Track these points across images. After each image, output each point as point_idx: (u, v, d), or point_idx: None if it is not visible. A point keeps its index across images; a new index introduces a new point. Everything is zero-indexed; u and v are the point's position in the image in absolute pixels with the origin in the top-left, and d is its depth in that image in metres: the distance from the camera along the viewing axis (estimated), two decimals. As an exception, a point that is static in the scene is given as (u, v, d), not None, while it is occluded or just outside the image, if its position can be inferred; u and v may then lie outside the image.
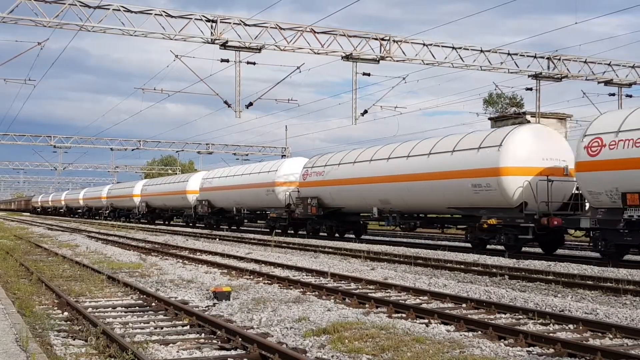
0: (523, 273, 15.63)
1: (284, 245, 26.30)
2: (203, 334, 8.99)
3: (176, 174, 78.09)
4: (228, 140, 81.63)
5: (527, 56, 28.52)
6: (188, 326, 9.58)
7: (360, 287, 13.81)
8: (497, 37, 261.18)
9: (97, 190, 79.68)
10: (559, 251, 23.13)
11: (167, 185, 53.54)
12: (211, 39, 23.84)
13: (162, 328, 9.55)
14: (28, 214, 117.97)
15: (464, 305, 11.21)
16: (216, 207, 42.16)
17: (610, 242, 18.22)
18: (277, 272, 16.63)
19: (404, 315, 10.32)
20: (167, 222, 57.70)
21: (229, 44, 24.25)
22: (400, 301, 11.50)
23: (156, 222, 57.88)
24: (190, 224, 49.45)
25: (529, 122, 33.06)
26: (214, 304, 11.52)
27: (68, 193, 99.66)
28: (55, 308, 11.13)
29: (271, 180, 34.63)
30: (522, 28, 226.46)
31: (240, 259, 20.42)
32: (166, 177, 61.74)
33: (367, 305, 11.21)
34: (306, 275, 16.02)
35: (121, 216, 69.26)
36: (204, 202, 43.12)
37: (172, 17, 23.43)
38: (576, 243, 27.18)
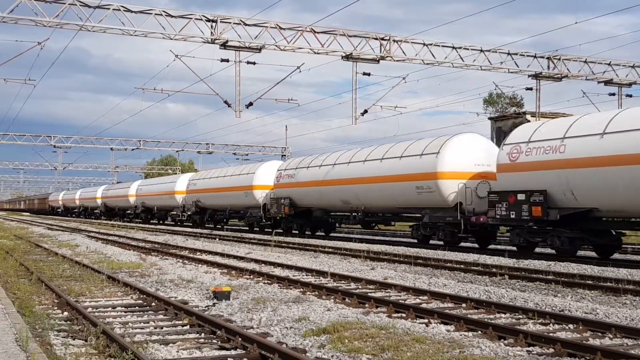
0: (523, 273, 15.63)
1: (283, 245, 26.31)
2: (203, 334, 8.98)
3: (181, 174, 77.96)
4: (228, 140, 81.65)
5: (527, 56, 28.54)
6: (188, 326, 9.58)
7: (360, 286, 13.81)
8: (498, 37, 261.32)
9: (163, 182, 56.01)
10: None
11: (319, 171, 31.97)
12: (211, 39, 23.86)
13: (162, 328, 9.55)
14: (28, 214, 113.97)
15: (463, 305, 11.20)
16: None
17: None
18: (277, 271, 16.63)
19: (403, 315, 10.32)
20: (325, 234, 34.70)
21: (229, 43, 24.27)
22: (400, 301, 11.50)
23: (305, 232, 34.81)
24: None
25: (529, 121, 33.10)
26: (214, 304, 11.51)
27: (107, 188, 75.35)
28: (55, 308, 11.13)
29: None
30: (522, 28, 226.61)
31: (240, 258, 20.42)
32: (310, 159, 34.48)
33: (367, 305, 11.21)
34: (306, 275, 16.02)
35: (218, 221, 44.84)
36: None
37: (172, 17, 23.46)
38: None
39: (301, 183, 32.30)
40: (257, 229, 38.98)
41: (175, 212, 51.53)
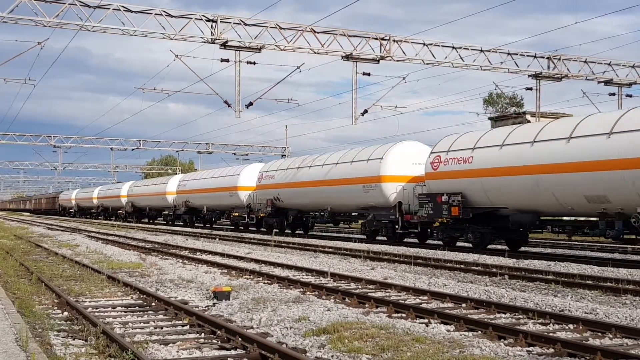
0: (523, 273, 15.63)
1: (283, 245, 26.30)
2: (203, 334, 8.98)
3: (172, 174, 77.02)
4: (229, 140, 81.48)
5: (527, 56, 28.52)
6: (188, 326, 9.58)
7: (360, 286, 13.81)
8: (499, 37, 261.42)
9: (220, 176, 43.47)
10: (559, 251, 23.27)
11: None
12: (211, 39, 23.85)
13: (162, 328, 9.55)
14: (28, 214, 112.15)
15: (463, 305, 11.20)
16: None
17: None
18: (277, 271, 16.63)
19: (403, 315, 10.32)
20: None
21: (229, 43, 24.26)
22: (400, 301, 11.50)
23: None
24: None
25: (528, 121, 33.00)
26: (214, 304, 11.51)
27: (135, 184, 64.27)
28: (55, 308, 11.13)
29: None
30: (523, 28, 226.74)
31: (240, 258, 20.42)
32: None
33: (367, 305, 11.21)
34: (306, 275, 16.02)
35: (305, 225, 35.66)
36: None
37: (172, 16, 23.45)
38: (576, 243, 27.19)
39: (489, 171, 21.45)
40: (385, 237, 27.71)
41: (237, 214, 40.74)
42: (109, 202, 68.72)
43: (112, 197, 67.81)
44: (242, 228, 41.40)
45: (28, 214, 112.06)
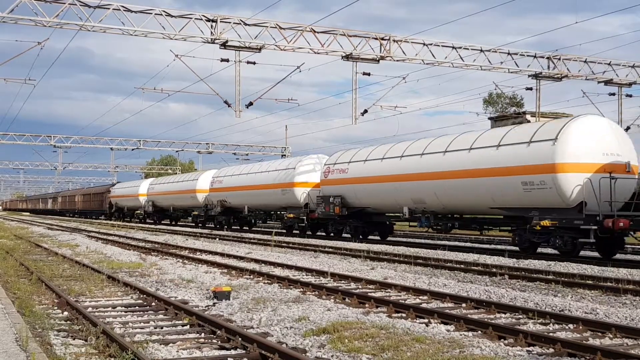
0: (523, 273, 15.63)
1: (284, 245, 26.30)
2: (203, 334, 8.99)
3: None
4: (229, 140, 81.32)
5: (527, 56, 28.51)
6: (188, 326, 9.58)
7: (360, 286, 13.81)
8: (499, 37, 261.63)
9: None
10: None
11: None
12: (211, 39, 23.84)
13: (162, 328, 9.55)
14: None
15: (463, 305, 11.20)
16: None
17: None
18: (277, 271, 16.63)
19: (403, 315, 10.32)
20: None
21: (229, 43, 24.25)
22: (400, 301, 11.50)
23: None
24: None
25: (528, 121, 33.03)
26: (214, 304, 11.52)
27: (337, 160, 30.00)
28: (55, 308, 11.13)
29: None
30: (523, 28, 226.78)
31: (240, 258, 20.42)
32: None
33: (367, 305, 11.21)
34: (306, 275, 16.02)
35: None
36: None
37: (172, 16, 23.44)
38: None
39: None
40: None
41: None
42: (240, 198, 39.28)
43: (244, 190, 38.56)
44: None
45: (28, 213, 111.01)
